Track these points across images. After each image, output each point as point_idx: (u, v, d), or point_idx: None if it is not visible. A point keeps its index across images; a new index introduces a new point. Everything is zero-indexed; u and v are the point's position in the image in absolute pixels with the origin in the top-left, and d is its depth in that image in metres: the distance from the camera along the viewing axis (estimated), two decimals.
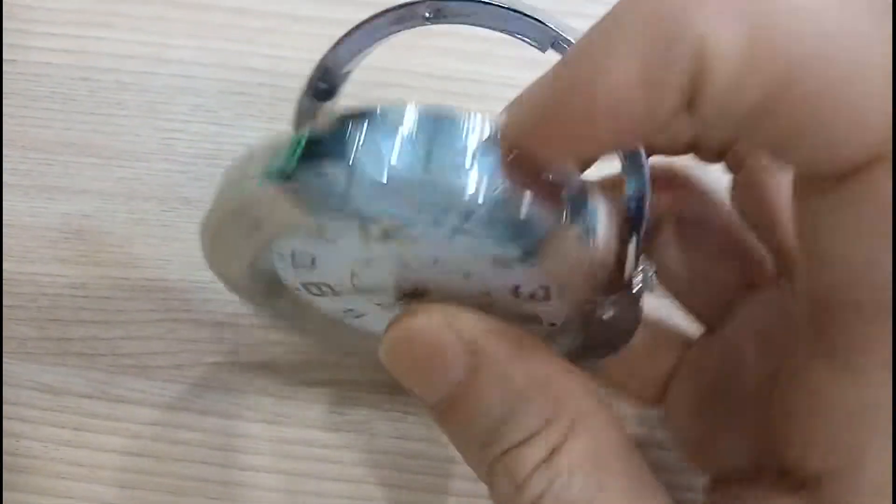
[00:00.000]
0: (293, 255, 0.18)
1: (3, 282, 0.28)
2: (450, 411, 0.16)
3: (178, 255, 0.29)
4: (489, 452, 0.16)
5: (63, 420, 0.27)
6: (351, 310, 0.20)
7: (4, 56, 0.31)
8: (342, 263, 0.18)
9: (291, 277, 0.19)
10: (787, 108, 0.11)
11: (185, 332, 0.28)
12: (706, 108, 0.12)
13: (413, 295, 0.18)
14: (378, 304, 0.19)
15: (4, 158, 0.29)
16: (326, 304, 0.20)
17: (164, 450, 0.27)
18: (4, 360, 0.27)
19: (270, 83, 0.31)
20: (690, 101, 0.12)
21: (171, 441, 0.27)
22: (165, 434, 0.27)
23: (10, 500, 0.26)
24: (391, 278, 0.18)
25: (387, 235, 0.16)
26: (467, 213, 0.13)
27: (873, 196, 0.12)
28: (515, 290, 0.17)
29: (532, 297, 0.17)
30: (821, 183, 0.12)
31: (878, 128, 0.11)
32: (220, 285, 0.28)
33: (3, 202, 0.29)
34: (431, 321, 0.16)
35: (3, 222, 0.29)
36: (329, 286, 0.19)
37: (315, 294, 0.19)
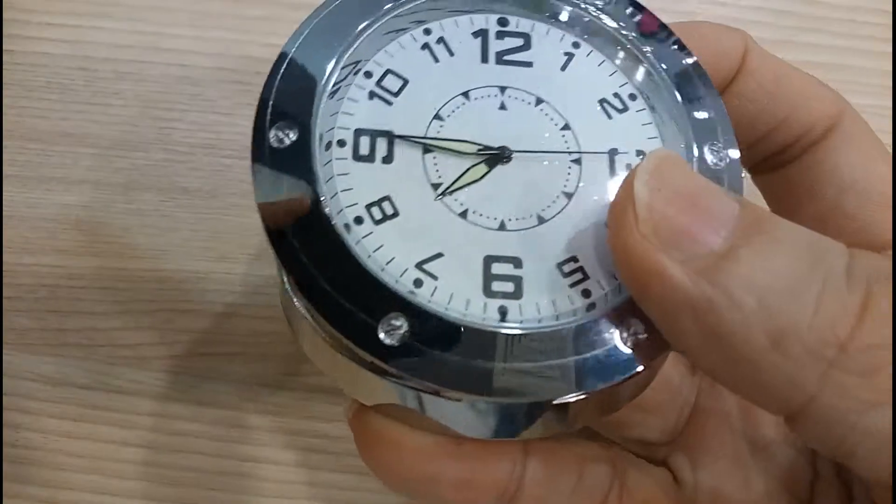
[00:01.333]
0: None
1: (3, 273, 0.28)
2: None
3: (176, 245, 0.28)
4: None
5: (62, 411, 0.27)
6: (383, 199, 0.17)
7: (3, 46, 0.31)
8: (438, 89, 0.18)
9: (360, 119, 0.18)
10: (788, 84, 0.21)
11: (182, 323, 0.28)
12: (747, 75, 0.20)
13: (496, 157, 0.17)
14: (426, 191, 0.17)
15: (3, 149, 0.29)
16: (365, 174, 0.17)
17: (162, 441, 0.27)
18: (4, 351, 0.27)
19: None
20: (739, 67, 0.20)
21: (169, 432, 0.27)
22: (163, 425, 0.27)
23: (10, 490, 0.26)
24: (477, 127, 0.17)
25: (502, 58, 0.18)
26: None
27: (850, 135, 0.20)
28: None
29: None
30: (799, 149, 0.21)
31: (830, 101, 0.20)
32: (218, 276, 0.28)
33: (2, 193, 0.29)
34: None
35: (2, 213, 0.29)
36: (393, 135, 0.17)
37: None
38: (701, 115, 0.18)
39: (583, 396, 0.16)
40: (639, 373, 0.16)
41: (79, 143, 0.29)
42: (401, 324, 0.15)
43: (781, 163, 0.21)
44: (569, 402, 0.16)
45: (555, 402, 0.16)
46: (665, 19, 0.20)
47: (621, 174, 0.18)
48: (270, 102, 0.17)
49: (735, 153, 0.18)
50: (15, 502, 0.26)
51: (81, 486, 0.26)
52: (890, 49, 0.33)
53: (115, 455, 0.27)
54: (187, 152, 0.30)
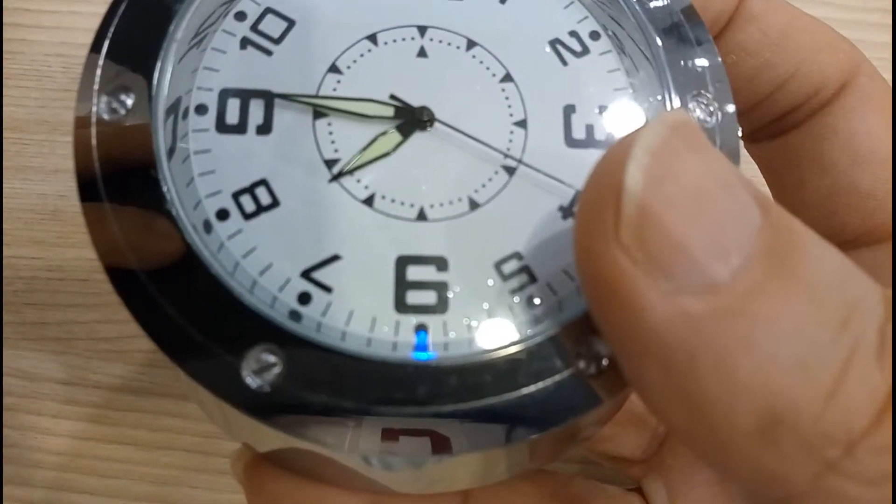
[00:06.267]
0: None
1: None
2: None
3: None
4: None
5: (40, 407, 0.26)
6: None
7: None
8: (335, 32, 0.14)
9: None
10: (794, 38, 0.18)
11: None
12: (748, 22, 0.17)
13: (413, 122, 0.13)
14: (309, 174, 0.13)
15: None
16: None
17: (144, 437, 0.26)
18: None
19: None
20: (736, 10, 0.17)
21: (151, 428, 0.26)
22: (146, 421, 0.26)
23: None
24: (388, 82, 0.13)
25: None
26: None
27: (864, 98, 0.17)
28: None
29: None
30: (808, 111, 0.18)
31: (844, 54, 0.18)
32: None
33: None
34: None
35: None
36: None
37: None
38: (687, 62, 0.14)
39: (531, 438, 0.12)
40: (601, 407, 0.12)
41: (56, 131, 0.28)
42: (274, 360, 0.11)
43: (784, 128, 0.18)
44: (513, 447, 0.12)
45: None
46: None
47: (579, 139, 0.13)
48: (102, 56, 0.13)
49: (730, 107, 0.14)
50: None
51: (59, 485, 0.25)
52: None
53: (95, 453, 0.26)
54: None
